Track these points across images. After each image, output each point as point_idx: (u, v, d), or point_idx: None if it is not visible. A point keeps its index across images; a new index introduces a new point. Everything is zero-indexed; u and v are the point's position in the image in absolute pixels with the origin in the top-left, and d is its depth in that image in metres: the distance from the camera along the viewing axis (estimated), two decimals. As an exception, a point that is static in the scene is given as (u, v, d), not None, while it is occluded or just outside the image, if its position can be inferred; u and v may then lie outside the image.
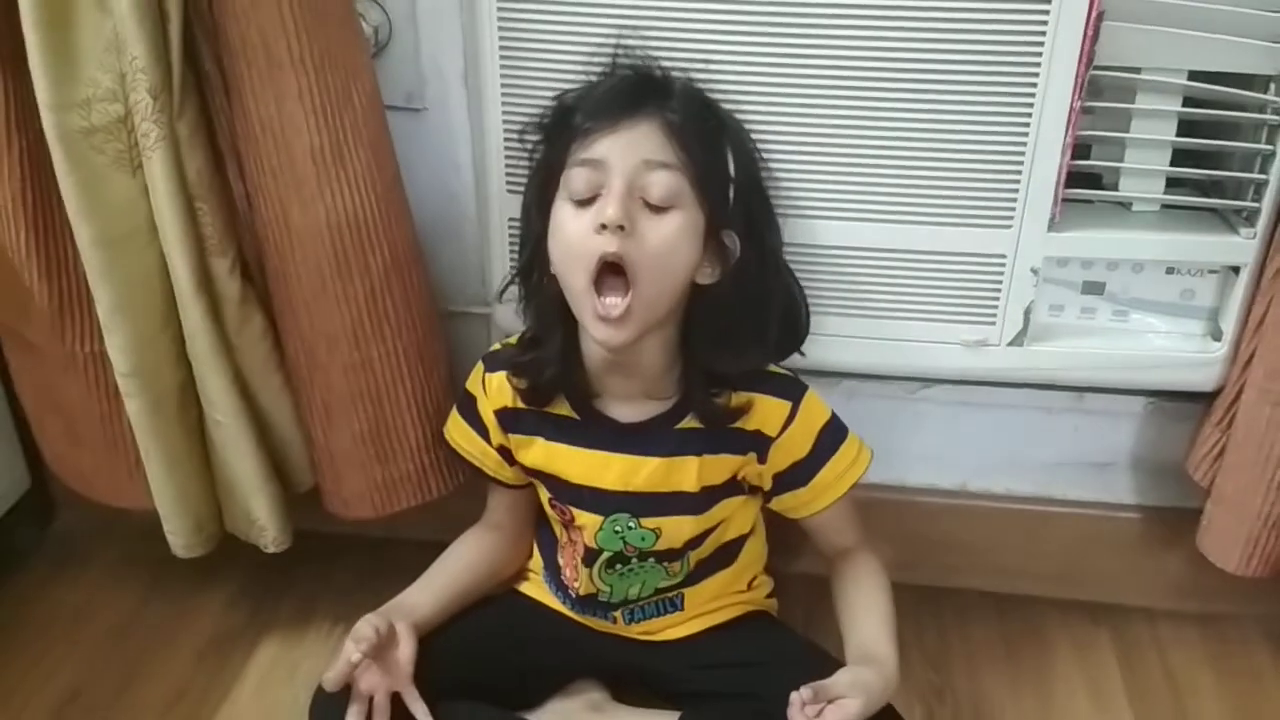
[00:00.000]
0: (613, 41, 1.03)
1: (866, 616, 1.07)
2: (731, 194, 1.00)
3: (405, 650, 1.03)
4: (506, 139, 1.13)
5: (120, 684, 1.23)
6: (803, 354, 1.12)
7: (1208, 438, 1.18)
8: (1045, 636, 1.30)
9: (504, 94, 1.12)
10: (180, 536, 1.21)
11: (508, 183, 1.16)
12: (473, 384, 1.11)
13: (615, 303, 0.94)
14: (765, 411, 1.04)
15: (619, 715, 1.16)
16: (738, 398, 1.03)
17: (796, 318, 1.09)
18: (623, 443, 1.05)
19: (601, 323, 0.95)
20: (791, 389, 1.06)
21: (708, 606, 1.15)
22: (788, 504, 1.10)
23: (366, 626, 1.01)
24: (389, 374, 1.12)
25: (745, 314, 1.03)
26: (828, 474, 1.08)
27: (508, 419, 1.09)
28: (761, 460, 1.06)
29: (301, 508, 1.25)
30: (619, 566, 1.09)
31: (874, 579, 1.10)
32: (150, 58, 0.97)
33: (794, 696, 0.93)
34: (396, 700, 1.03)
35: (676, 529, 1.07)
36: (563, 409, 1.06)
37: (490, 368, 1.09)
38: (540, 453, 1.08)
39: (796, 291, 1.09)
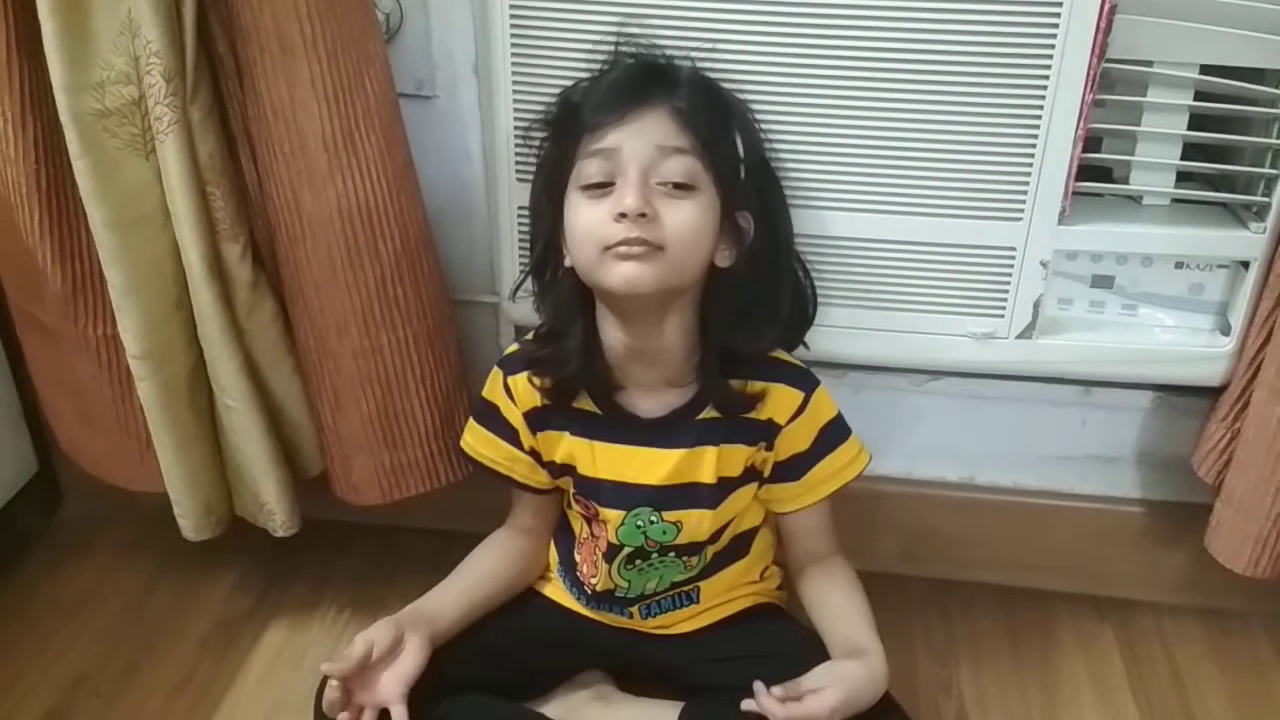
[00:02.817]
0: (617, 31, 1.03)
1: (846, 615, 1.07)
2: (743, 174, 1.01)
3: (409, 665, 1.01)
4: (517, 127, 1.13)
5: (127, 668, 1.24)
6: (806, 346, 1.12)
7: (1213, 434, 1.18)
8: (1050, 630, 1.30)
9: (514, 82, 1.12)
10: (190, 519, 1.22)
11: (517, 171, 1.15)
12: (491, 393, 1.10)
13: (636, 247, 0.93)
14: (778, 400, 1.05)
15: (624, 706, 1.16)
16: (753, 386, 1.03)
17: (804, 297, 1.10)
18: (645, 436, 1.05)
19: (623, 261, 0.93)
20: (805, 381, 1.06)
21: (721, 598, 1.15)
22: (777, 495, 1.11)
23: (362, 646, 0.98)
24: (399, 360, 1.13)
25: (760, 293, 1.03)
26: (821, 471, 1.08)
27: (536, 419, 1.08)
28: (769, 448, 1.07)
29: (311, 494, 1.25)
30: (638, 562, 1.09)
31: (848, 579, 1.11)
32: (164, 41, 0.98)
33: (758, 685, 0.95)
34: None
35: (697, 522, 1.07)
36: (586, 404, 1.06)
37: (510, 371, 1.08)
38: (567, 447, 1.07)
39: (802, 272, 1.09)
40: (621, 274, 0.94)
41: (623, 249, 0.93)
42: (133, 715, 1.18)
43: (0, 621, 1.29)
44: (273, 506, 1.21)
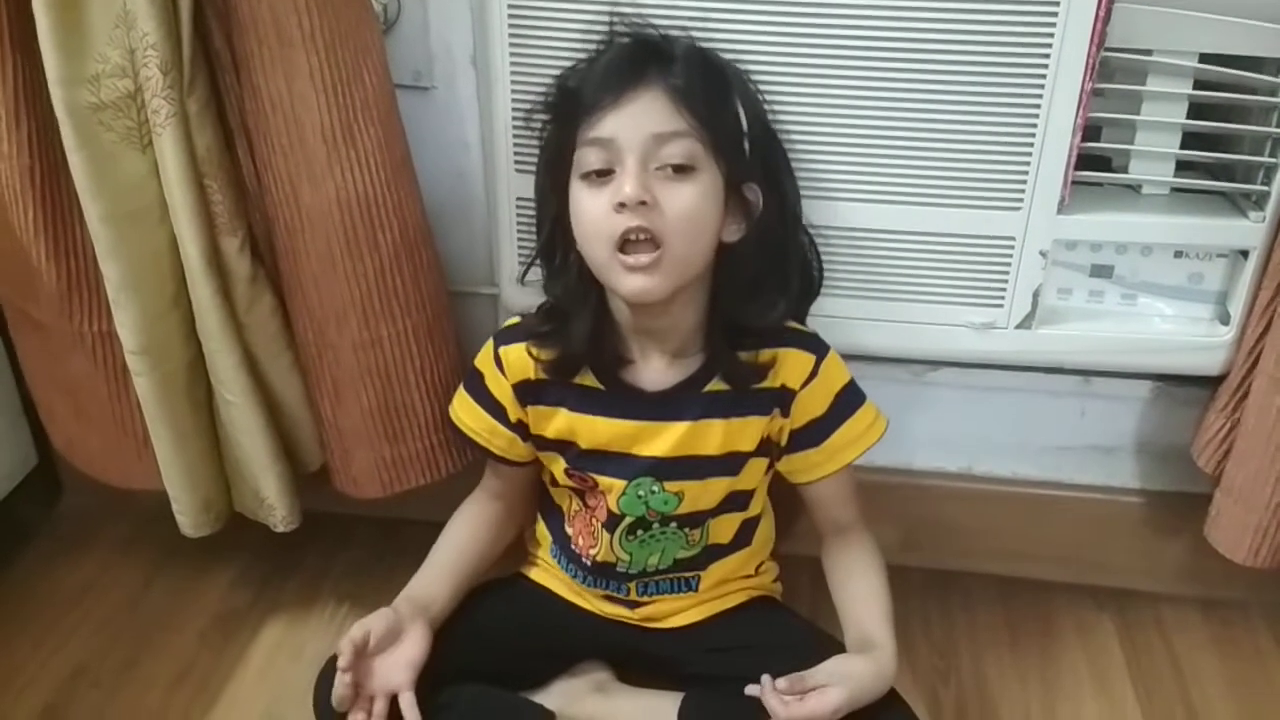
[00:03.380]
0: (611, 10, 1.02)
1: (864, 603, 1.08)
2: (747, 146, 1.00)
3: (412, 653, 1.02)
4: (515, 118, 1.13)
5: (126, 662, 1.24)
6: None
7: (1212, 423, 1.18)
8: (1050, 620, 1.31)
9: (513, 73, 1.11)
10: (188, 515, 1.21)
11: (516, 162, 1.15)
12: (482, 361, 1.10)
13: (642, 257, 0.94)
14: (790, 365, 1.04)
15: (623, 696, 1.16)
16: (763, 354, 1.03)
17: (811, 266, 1.10)
18: (649, 410, 1.05)
19: (632, 273, 0.95)
20: (816, 345, 1.06)
21: (716, 591, 1.15)
22: (797, 465, 1.10)
23: (360, 629, 0.99)
24: (398, 352, 1.12)
25: (770, 265, 1.03)
26: (841, 437, 1.08)
27: (528, 392, 1.08)
28: (785, 414, 1.06)
29: (311, 488, 1.25)
30: (640, 532, 1.09)
31: (871, 561, 1.11)
32: (160, 34, 0.97)
33: (765, 679, 0.96)
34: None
35: (699, 493, 1.07)
36: (587, 379, 1.06)
37: (504, 342, 1.08)
38: (563, 423, 1.07)
39: (808, 239, 1.09)
40: (632, 286, 0.95)
41: (630, 259, 0.94)
42: (132, 708, 1.18)
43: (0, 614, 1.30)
44: (273, 502, 1.21)
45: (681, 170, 0.95)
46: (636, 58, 0.98)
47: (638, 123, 0.94)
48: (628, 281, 0.95)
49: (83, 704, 1.18)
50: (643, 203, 0.93)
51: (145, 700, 1.19)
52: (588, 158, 0.96)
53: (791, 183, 1.06)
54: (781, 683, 0.96)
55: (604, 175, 0.95)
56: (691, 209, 0.95)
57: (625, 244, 0.94)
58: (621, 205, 0.93)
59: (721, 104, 0.99)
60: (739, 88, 1.02)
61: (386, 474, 1.18)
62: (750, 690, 0.98)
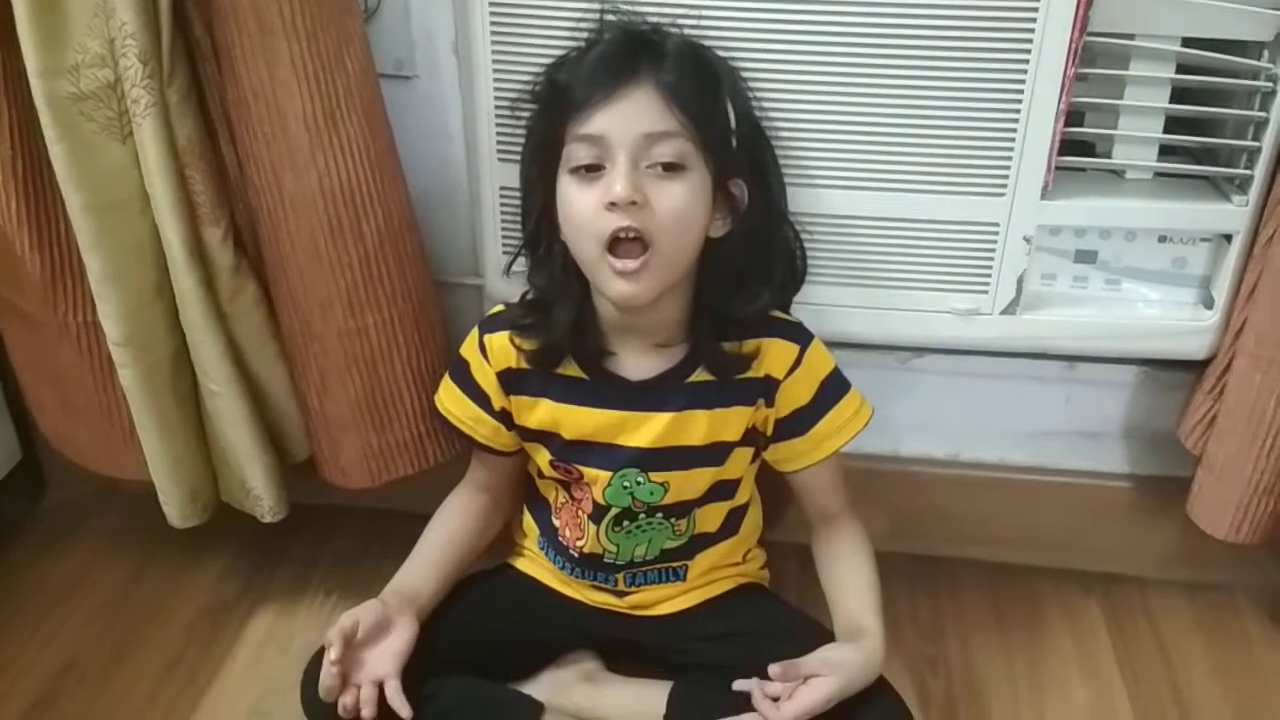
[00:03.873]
0: (600, 2, 1.02)
1: (853, 591, 1.08)
2: (734, 143, 1.00)
3: (399, 643, 1.02)
4: (498, 106, 1.12)
5: (115, 655, 1.23)
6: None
7: (1199, 406, 1.18)
8: (1037, 605, 1.31)
9: (495, 61, 1.11)
10: (175, 506, 1.21)
11: (499, 151, 1.15)
12: (468, 349, 1.09)
13: (631, 262, 0.94)
14: (774, 354, 1.04)
15: (612, 685, 1.16)
16: (747, 345, 1.03)
17: (795, 257, 1.10)
18: (633, 400, 1.04)
19: (620, 278, 0.95)
20: (799, 334, 1.06)
21: (703, 579, 1.15)
22: (783, 454, 1.10)
23: (349, 619, 0.99)
24: (384, 341, 1.12)
25: (754, 258, 1.03)
26: (826, 426, 1.08)
27: (511, 381, 1.07)
28: (769, 404, 1.06)
29: (298, 479, 1.24)
30: (626, 523, 1.09)
31: (859, 548, 1.11)
32: (139, 23, 0.97)
33: (754, 683, 0.96)
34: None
35: (685, 483, 1.07)
36: (570, 369, 1.05)
37: (489, 330, 1.07)
38: (546, 413, 1.07)
39: (792, 232, 1.09)
40: (619, 291, 0.96)
41: (619, 264, 0.94)
42: (120, 701, 1.18)
43: (-13, 610, 1.29)
44: (260, 492, 1.20)
45: (672, 169, 0.94)
46: (628, 52, 0.97)
47: (629, 121, 0.94)
48: (615, 286, 0.96)
49: (72, 697, 1.18)
50: (633, 203, 0.92)
51: (134, 693, 1.19)
52: (577, 153, 0.95)
53: (777, 177, 1.06)
54: (775, 668, 0.96)
55: (594, 170, 0.95)
56: (681, 208, 0.95)
57: (615, 243, 0.94)
58: (612, 205, 0.93)
59: (712, 102, 0.99)
60: (729, 84, 1.01)
61: (374, 463, 1.18)
62: (739, 685, 0.98)
